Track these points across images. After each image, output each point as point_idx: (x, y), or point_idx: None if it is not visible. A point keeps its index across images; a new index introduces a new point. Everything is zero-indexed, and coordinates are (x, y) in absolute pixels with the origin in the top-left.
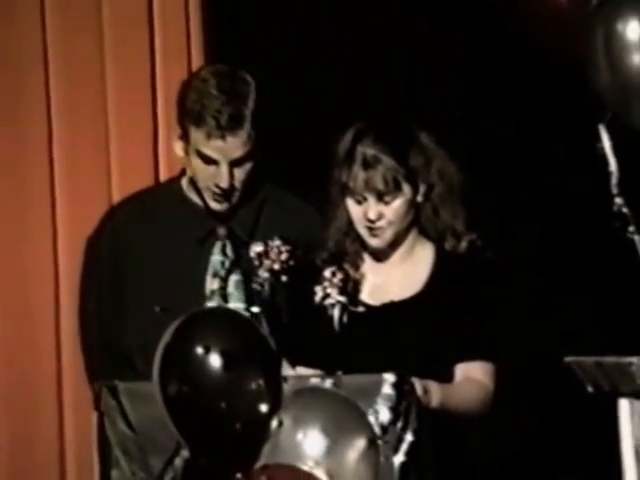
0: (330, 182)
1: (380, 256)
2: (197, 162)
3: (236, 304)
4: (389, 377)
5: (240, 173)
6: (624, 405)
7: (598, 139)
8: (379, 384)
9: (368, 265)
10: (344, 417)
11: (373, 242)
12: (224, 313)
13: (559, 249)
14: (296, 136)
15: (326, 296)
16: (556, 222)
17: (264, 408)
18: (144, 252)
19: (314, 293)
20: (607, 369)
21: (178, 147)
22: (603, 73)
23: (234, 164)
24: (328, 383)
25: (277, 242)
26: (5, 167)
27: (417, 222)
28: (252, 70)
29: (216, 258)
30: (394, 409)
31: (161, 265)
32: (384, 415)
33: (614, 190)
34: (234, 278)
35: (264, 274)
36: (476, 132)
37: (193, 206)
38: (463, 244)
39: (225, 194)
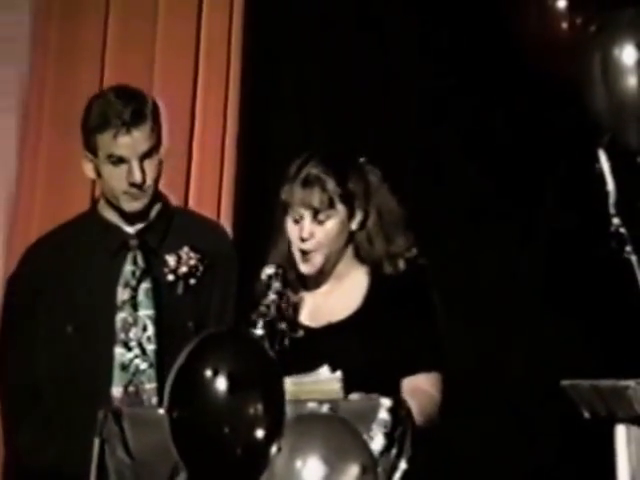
0: (276, 205)
1: (311, 285)
2: (109, 170)
3: (145, 312)
4: (385, 402)
5: (150, 169)
6: (621, 431)
7: (596, 160)
8: (375, 409)
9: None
10: (343, 443)
11: (304, 268)
12: (234, 336)
13: (557, 269)
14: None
15: (267, 323)
16: (554, 242)
17: (266, 434)
18: (57, 276)
19: (255, 322)
20: (604, 393)
21: (88, 169)
22: (599, 96)
23: (143, 158)
24: (325, 408)
25: (185, 249)
26: None
27: (351, 248)
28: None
29: (128, 268)
30: (389, 435)
31: (74, 286)
32: (379, 441)
33: (612, 210)
34: (144, 286)
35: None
36: (475, 155)
37: (107, 223)
38: (401, 264)
39: (140, 189)
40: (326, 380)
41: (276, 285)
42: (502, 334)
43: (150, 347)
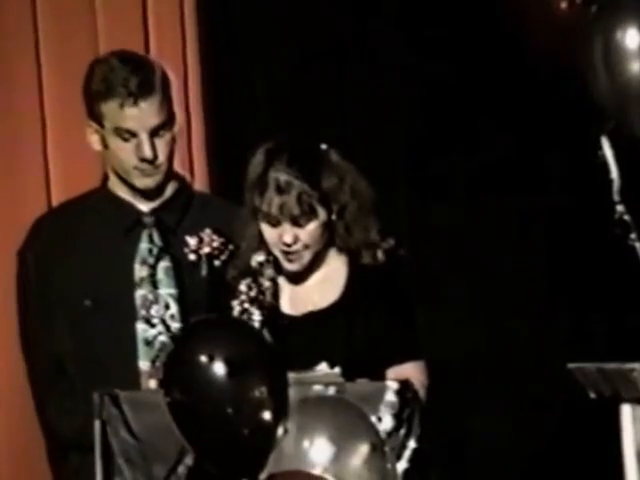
0: (242, 203)
1: (296, 279)
2: (117, 143)
3: (167, 290)
4: (392, 384)
5: (162, 145)
6: (626, 411)
7: (600, 147)
8: (382, 391)
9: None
10: (351, 423)
11: (290, 267)
12: (229, 322)
13: (561, 256)
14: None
15: (244, 311)
16: (558, 230)
17: (271, 415)
18: (70, 253)
19: (231, 308)
20: (609, 375)
21: (95, 142)
22: (602, 81)
23: (153, 134)
24: (332, 390)
25: (208, 231)
26: None
27: (332, 240)
28: None
29: (144, 246)
30: (397, 416)
31: (88, 262)
32: (387, 422)
33: (616, 197)
34: (163, 265)
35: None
36: (476, 140)
37: (119, 200)
38: (379, 254)
39: (151, 165)
40: (326, 376)
41: (269, 272)
42: (511, 319)
43: (175, 325)
